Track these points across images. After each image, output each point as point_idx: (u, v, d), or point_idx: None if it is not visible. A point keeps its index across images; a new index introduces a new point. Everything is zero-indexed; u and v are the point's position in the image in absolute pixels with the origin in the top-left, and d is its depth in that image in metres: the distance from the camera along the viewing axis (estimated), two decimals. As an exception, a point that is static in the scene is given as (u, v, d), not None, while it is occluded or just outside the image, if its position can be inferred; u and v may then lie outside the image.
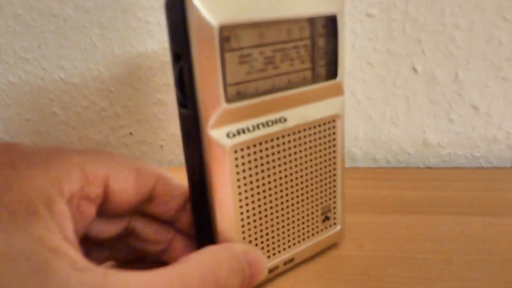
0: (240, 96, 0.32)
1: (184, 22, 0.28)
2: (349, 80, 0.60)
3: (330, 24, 0.36)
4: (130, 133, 0.66)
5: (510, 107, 0.58)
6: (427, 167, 0.62)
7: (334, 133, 0.38)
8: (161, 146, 0.67)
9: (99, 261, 0.38)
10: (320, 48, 0.36)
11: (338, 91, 0.37)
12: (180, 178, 0.35)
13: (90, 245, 0.35)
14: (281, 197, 0.36)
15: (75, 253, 0.24)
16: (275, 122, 0.33)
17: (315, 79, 0.36)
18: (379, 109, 0.61)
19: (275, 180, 0.35)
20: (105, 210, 0.31)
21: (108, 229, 0.34)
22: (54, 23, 0.63)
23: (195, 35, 0.28)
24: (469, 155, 0.61)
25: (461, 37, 0.57)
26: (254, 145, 0.33)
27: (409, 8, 0.56)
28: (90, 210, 0.30)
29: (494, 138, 0.60)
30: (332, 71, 0.37)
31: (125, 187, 0.31)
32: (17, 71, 0.66)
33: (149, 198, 0.33)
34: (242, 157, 0.32)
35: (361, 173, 0.59)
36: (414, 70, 0.58)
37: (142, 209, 0.34)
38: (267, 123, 0.33)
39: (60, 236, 0.25)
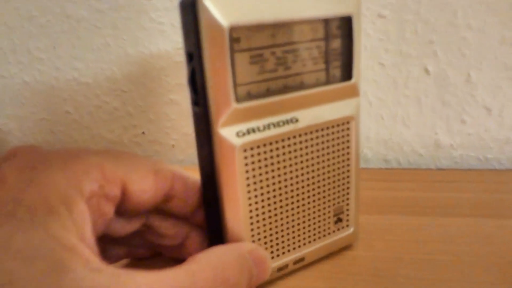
0: (251, 96, 0.32)
1: (196, 23, 0.29)
2: (361, 80, 0.60)
3: (345, 25, 0.36)
4: (143, 133, 0.67)
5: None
6: (438, 168, 0.62)
7: (348, 135, 0.38)
8: (173, 146, 0.67)
9: (116, 258, 0.38)
10: (334, 49, 0.36)
11: (353, 92, 0.37)
12: (192, 178, 0.36)
13: (107, 242, 0.36)
14: (292, 197, 0.36)
15: (89, 253, 0.25)
16: (286, 122, 0.34)
17: (328, 80, 0.36)
18: (390, 110, 0.61)
19: (285, 180, 0.35)
20: (123, 209, 0.32)
21: (125, 226, 0.35)
22: (68, 24, 0.64)
23: (206, 35, 0.28)
24: (481, 157, 0.61)
25: (473, 38, 0.56)
26: (264, 145, 0.33)
27: (421, 9, 0.56)
28: (109, 209, 0.30)
29: (506, 140, 0.60)
30: (347, 73, 0.37)
31: (143, 188, 0.32)
32: (32, 71, 0.67)
33: (167, 198, 0.34)
34: (252, 156, 0.32)
35: (372, 174, 0.59)
36: (426, 71, 0.58)
37: (160, 207, 0.35)
38: (278, 123, 0.33)
39: (76, 235, 0.25)
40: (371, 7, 0.57)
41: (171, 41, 0.62)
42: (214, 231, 0.35)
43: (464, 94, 0.59)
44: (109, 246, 0.37)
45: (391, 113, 0.61)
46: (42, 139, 0.70)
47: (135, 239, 0.37)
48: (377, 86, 0.60)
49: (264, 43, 0.32)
